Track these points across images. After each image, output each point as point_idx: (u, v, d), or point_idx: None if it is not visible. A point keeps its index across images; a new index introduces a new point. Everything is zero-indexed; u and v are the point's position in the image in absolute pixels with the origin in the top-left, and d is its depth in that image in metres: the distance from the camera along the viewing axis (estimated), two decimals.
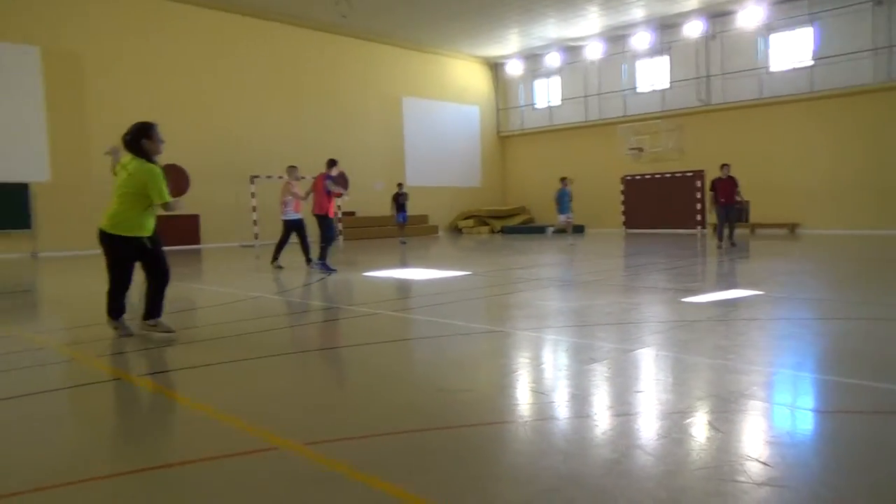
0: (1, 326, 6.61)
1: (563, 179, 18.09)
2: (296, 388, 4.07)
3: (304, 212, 12.26)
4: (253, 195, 20.72)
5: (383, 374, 4.36)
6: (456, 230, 28.24)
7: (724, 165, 15.07)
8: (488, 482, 2.56)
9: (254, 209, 20.72)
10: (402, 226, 21.20)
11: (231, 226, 21.44)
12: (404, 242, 20.27)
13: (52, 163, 18.58)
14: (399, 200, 20.98)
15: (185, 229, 20.40)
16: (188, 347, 5.57)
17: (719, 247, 14.69)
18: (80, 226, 18.86)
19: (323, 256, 11.28)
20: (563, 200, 17.79)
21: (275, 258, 12.21)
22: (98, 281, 10.27)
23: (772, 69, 21.98)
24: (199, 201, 20.62)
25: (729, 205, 14.79)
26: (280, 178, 21.95)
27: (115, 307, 5.68)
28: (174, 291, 9.86)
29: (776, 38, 21.91)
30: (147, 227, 5.55)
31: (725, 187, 14.79)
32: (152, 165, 5.41)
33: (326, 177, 11.42)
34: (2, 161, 17.73)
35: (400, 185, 21.62)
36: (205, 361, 4.78)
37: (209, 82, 21.28)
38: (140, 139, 5.42)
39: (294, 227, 12.03)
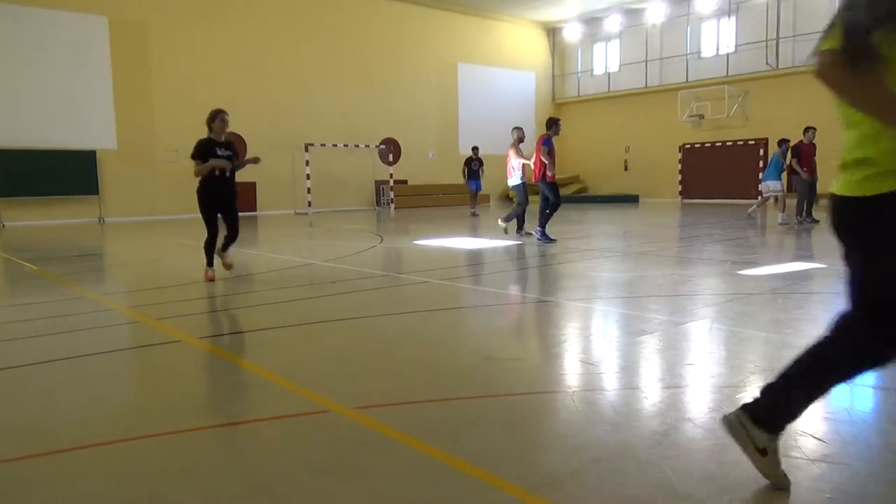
0: (71, 288, 6.94)
1: (784, 141, 13.65)
2: (347, 354, 4.15)
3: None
4: (307, 163, 21.02)
5: (432, 343, 4.41)
6: (507, 199, 28.06)
7: (809, 129, 12.97)
8: (536, 451, 2.57)
9: (307, 177, 21.04)
10: (474, 195, 18.47)
11: (286, 193, 21.85)
12: (476, 214, 17.86)
13: (119, 131, 19.23)
14: (472, 167, 18.25)
15: (243, 196, 20.92)
16: (244, 312, 5.75)
17: (800, 222, 12.97)
18: (143, 193, 19.59)
19: (542, 223, 10.43)
20: (771, 164, 13.87)
21: (519, 226, 11.49)
22: (160, 245, 10.56)
23: None
24: (255, 169, 21.06)
25: (812, 176, 12.98)
26: (334, 145, 22.24)
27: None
28: (232, 256, 10.16)
29: None
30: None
31: (810, 155, 12.91)
32: None
33: (544, 140, 10.48)
34: (71, 129, 18.46)
35: (475, 149, 18.55)
36: (259, 326, 4.93)
37: (267, 50, 21.52)
38: None
39: (517, 191, 11.47)
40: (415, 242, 11.11)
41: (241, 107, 20.93)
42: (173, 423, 2.93)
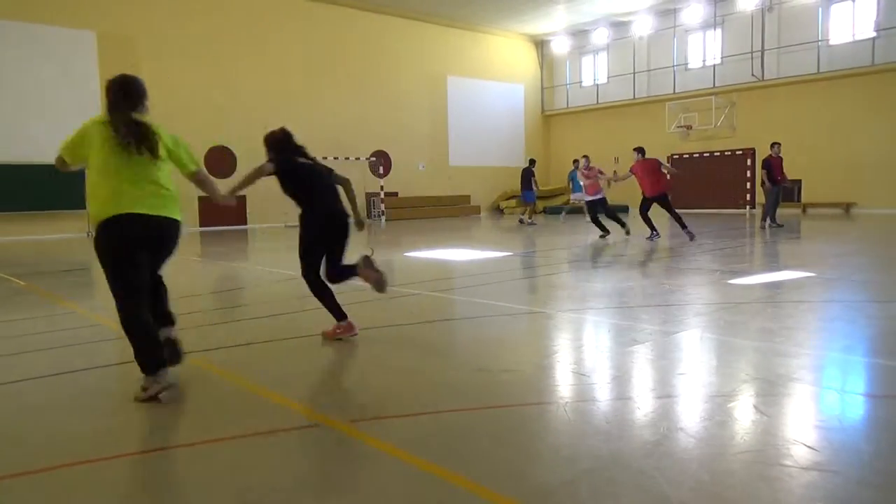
0: (60, 303, 6.88)
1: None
2: (338, 367, 4.14)
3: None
4: None
5: (424, 355, 4.40)
6: (498, 210, 28.11)
7: (776, 144, 14.94)
8: (528, 462, 2.57)
9: None
10: (530, 205, 19.12)
11: (276, 207, 21.78)
12: (533, 223, 18.54)
13: None
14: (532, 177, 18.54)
15: (233, 210, 20.84)
16: (233, 326, 5.72)
17: (767, 227, 14.43)
18: None
19: (684, 225, 12.27)
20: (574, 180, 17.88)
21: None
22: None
23: (832, 42, 21.07)
24: None
25: (783, 184, 14.87)
26: (324, 158, 22.22)
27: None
28: (221, 270, 10.13)
29: (837, 9, 20.97)
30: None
31: (780, 166, 14.73)
32: None
33: (659, 162, 12.93)
34: (59, 143, 18.34)
35: (532, 160, 19.22)
36: (249, 340, 4.89)
37: (256, 64, 21.53)
38: None
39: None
40: (406, 254, 11.09)
41: (230, 120, 20.93)
42: (162, 440, 2.90)
